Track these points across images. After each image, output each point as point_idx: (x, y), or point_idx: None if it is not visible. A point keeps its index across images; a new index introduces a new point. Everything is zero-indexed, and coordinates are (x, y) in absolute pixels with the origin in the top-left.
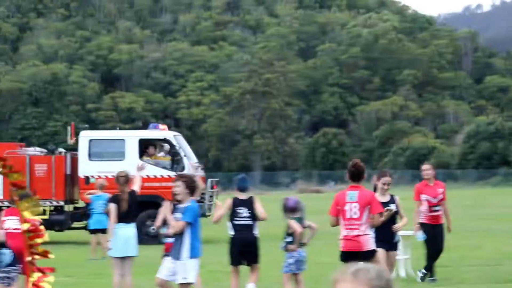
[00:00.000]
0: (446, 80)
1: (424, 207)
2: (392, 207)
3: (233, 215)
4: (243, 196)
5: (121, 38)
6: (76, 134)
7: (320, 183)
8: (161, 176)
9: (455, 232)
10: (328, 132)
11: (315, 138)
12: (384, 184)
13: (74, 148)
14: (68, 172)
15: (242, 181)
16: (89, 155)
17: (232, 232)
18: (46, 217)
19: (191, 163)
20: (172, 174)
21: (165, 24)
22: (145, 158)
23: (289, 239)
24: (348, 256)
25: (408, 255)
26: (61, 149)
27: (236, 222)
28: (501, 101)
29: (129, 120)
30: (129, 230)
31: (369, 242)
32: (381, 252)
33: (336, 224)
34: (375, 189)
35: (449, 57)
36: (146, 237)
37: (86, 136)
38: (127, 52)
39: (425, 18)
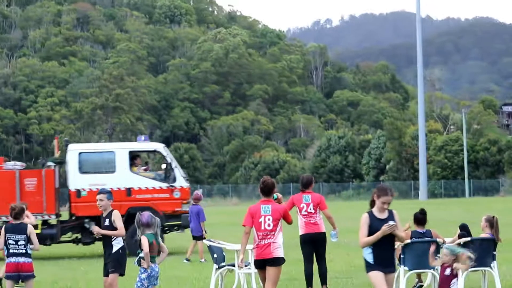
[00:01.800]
0: (297, 95)
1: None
2: (391, 223)
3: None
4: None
5: None
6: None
7: None
8: (153, 187)
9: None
10: (179, 147)
11: None
12: (383, 203)
13: (61, 162)
14: (57, 185)
15: None
16: (79, 168)
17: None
18: (38, 231)
19: (181, 174)
20: (164, 185)
21: (14, 39)
22: (135, 169)
23: (142, 254)
24: (260, 263)
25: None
26: (50, 163)
27: None
28: (351, 115)
29: None
30: None
31: (278, 250)
32: (378, 275)
33: (249, 233)
34: (372, 204)
35: (299, 72)
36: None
37: (75, 149)
38: None
39: (275, 33)
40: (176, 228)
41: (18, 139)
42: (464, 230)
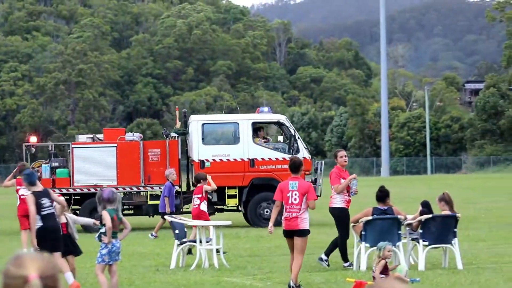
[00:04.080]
0: (260, 71)
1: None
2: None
3: (39, 207)
4: (39, 188)
5: None
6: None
7: None
8: (276, 158)
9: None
10: (142, 122)
11: (129, 129)
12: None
13: (183, 133)
14: (179, 156)
15: (30, 176)
16: (203, 139)
17: (40, 223)
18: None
19: (304, 145)
20: (287, 156)
21: None
22: (257, 141)
23: (103, 229)
24: (288, 233)
25: (220, 245)
26: (173, 134)
27: (43, 213)
28: (314, 91)
29: None
30: None
31: (304, 222)
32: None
33: (280, 207)
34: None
35: (263, 48)
36: (259, 219)
37: (198, 120)
38: None
39: (238, 9)
40: None
41: None
42: (426, 207)
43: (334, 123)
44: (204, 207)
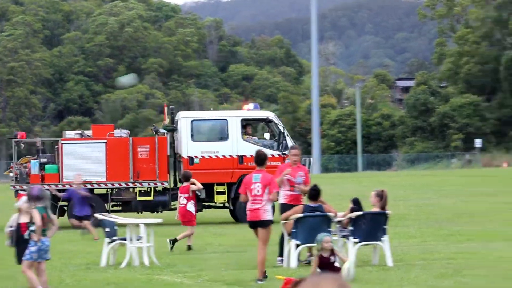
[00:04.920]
0: (191, 69)
1: (286, 187)
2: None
3: None
4: None
5: None
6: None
7: None
8: None
9: (203, 219)
10: (73, 121)
11: (60, 126)
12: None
13: (172, 129)
14: (168, 153)
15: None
16: (192, 136)
17: None
18: (150, 198)
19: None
20: (276, 153)
21: None
22: (246, 137)
23: (33, 227)
24: (252, 224)
25: (151, 243)
26: (162, 130)
27: None
28: (245, 89)
29: None
30: None
31: (266, 213)
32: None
33: (246, 200)
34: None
35: (194, 46)
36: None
37: (187, 116)
38: None
39: (170, 7)
40: None
41: None
42: (356, 204)
43: None
44: (191, 207)
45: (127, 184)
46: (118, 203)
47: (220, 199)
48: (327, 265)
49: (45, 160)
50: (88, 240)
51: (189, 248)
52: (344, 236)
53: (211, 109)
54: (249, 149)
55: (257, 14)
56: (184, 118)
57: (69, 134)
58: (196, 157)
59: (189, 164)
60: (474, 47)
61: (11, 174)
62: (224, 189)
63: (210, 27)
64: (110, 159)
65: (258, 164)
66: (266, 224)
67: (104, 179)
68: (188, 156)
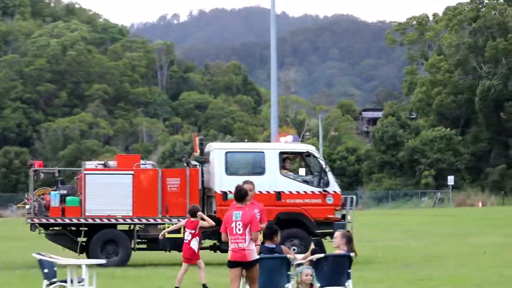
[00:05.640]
0: (139, 96)
1: None
2: None
3: None
4: None
5: None
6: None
7: (0, 206)
8: (305, 192)
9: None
10: (9, 151)
11: None
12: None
13: (204, 161)
14: (200, 187)
15: None
16: (226, 169)
17: None
18: (180, 235)
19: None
20: (316, 190)
21: None
22: (283, 172)
23: None
24: (234, 264)
25: (93, 286)
26: (194, 162)
27: None
28: (198, 118)
29: None
30: None
31: (252, 254)
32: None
33: (226, 239)
34: None
35: (142, 71)
36: None
37: (220, 148)
38: None
39: (117, 28)
40: (328, 236)
41: None
42: (318, 245)
43: None
44: (194, 244)
45: (155, 220)
46: (144, 240)
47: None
48: None
49: (65, 191)
50: (27, 280)
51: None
52: None
53: (246, 140)
54: (288, 185)
55: (211, 36)
56: (217, 150)
57: (90, 164)
58: (230, 192)
59: (223, 200)
60: (447, 76)
61: (27, 207)
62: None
63: (160, 51)
64: (137, 192)
65: (238, 201)
66: (254, 264)
67: (131, 214)
68: (221, 191)
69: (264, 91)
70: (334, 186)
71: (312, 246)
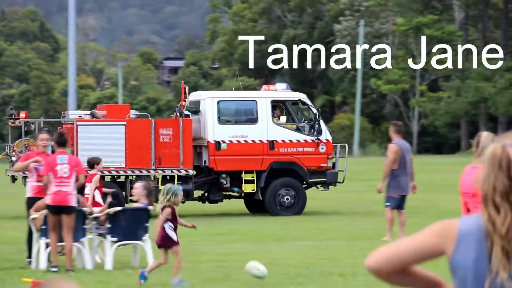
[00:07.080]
0: None
1: (34, 177)
2: None
3: None
4: None
5: None
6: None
7: None
8: (297, 140)
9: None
10: None
11: None
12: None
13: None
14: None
15: None
16: (219, 118)
17: None
18: None
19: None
20: (309, 138)
21: None
22: (275, 120)
23: None
24: (55, 209)
25: None
26: (186, 112)
27: None
28: None
29: None
30: None
31: (74, 199)
32: None
33: (49, 181)
34: None
35: None
36: (279, 208)
37: (212, 97)
38: None
39: None
40: (320, 185)
41: None
42: (115, 198)
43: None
44: (98, 197)
45: (148, 171)
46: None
47: (249, 188)
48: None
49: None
50: None
51: None
52: (100, 235)
53: (233, 89)
54: (280, 133)
55: None
56: (209, 99)
57: (73, 114)
58: (224, 141)
59: (216, 150)
60: (251, 25)
61: (13, 158)
62: (253, 177)
63: None
64: (130, 143)
65: (60, 145)
66: (73, 210)
67: (123, 165)
68: (214, 141)
69: (62, 38)
70: (326, 134)
71: (109, 199)
